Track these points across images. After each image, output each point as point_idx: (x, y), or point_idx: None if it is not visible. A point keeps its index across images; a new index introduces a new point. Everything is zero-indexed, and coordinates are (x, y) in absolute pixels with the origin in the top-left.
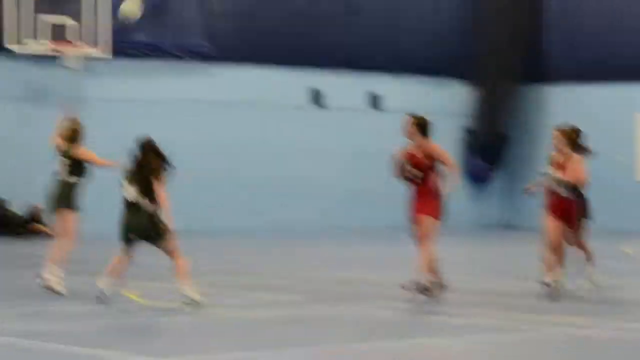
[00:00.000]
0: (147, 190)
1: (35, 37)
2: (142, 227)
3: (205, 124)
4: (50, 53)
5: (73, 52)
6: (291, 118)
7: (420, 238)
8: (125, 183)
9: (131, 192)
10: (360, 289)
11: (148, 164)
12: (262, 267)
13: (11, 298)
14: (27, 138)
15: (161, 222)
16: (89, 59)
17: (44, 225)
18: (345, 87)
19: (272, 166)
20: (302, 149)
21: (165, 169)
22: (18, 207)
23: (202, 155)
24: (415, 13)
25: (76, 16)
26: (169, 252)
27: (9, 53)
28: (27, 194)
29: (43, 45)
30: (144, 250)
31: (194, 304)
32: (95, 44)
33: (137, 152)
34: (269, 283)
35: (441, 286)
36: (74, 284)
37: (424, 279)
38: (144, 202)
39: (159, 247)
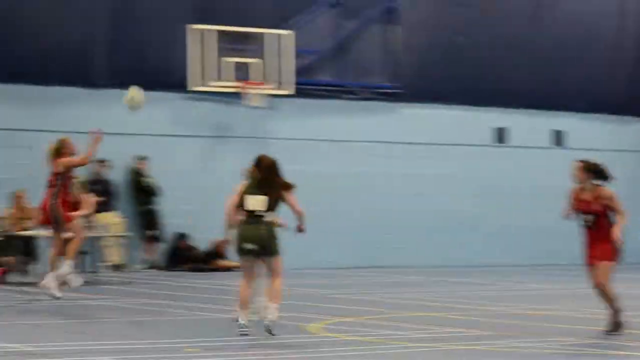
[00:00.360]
0: (273, 204)
1: (219, 77)
2: (262, 238)
3: (388, 163)
4: (233, 92)
5: (256, 91)
6: (475, 156)
7: (597, 282)
8: (250, 195)
9: (256, 204)
10: (542, 323)
11: (277, 178)
12: (443, 302)
13: (196, 331)
14: (210, 174)
15: (277, 238)
16: (271, 97)
17: (227, 260)
18: (529, 125)
19: (454, 204)
20: (485, 187)
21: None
22: (200, 241)
23: (383, 194)
24: (599, 51)
25: (259, 56)
26: (274, 270)
27: (195, 92)
28: (209, 229)
29: (227, 85)
30: (329, 285)
31: (276, 327)
32: (278, 83)
33: (262, 166)
34: (451, 317)
35: (622, 324)
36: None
37: (611, 317)
38: (268, 215)
39: (268, 263)
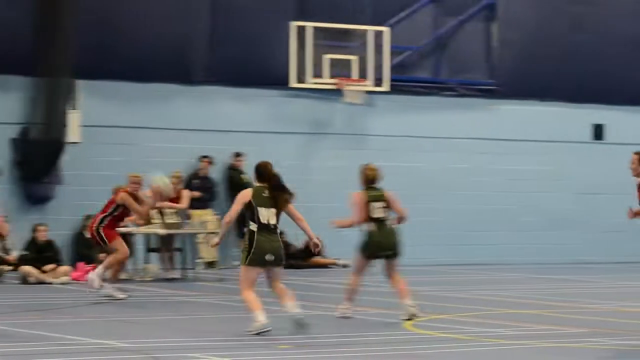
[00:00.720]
0: (279, 215)
1: (318, 74)
2: (279, 251)
3: (485, 160)
4: (331, 88)
5: (354, 87)
6: (573, 153)
7: None
8: (262, 207)
9: (268, 216)
10: (638, 321)
11: (283, 189)
12: (538, 299)
13: (289, 328)
14: (307, 170)
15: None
16: (368, 94)
17: (322, 257)
18: (627, 122)
19: (551, 201)
20: (582, 184)
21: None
22: (295, 238)
23: (479, 190)
24: None
25: (357, 53)
26: (278, 277)
27: (293, 89)
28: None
29: (325, 82)
30: (423, 282)
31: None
32: (375, 79)
33: (268, 177)
34: (546, 315)
35: None
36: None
37: None
38: (278, 227)
39: (276, 272)
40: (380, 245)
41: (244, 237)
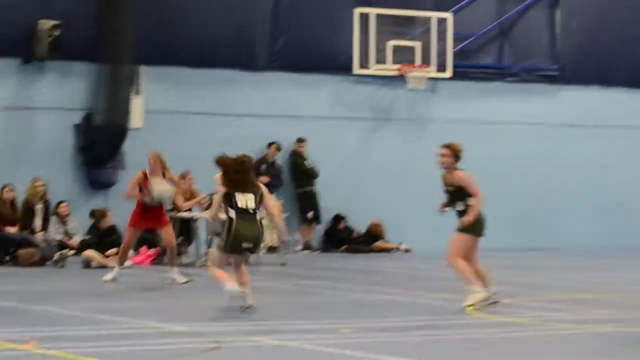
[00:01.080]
0: (260, 202)
1: (381, 60)
2: (258, 238)
3: (547, 145)
4: (394, 75)
5: (417, 73)
6: (637, 138)
7: None
8: (239, 193)
9: (245, 201)
10: None
11: (252, 176)
12: (601, 285)
13: (349, 312)
14: (370, 156)
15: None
16: (431, 80)
17: (384, 242)
18: None
19: (616, 186)
20: None
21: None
22: (357, 223)
23: (542, 176)
24: None
25: (420, 39)
26: (246, 264)
27: (357, 75)
28: (367, 211)
29: (388, 68)
30: (487, 266)
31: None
32: (438, 65)
33: (241, 166)
34: (608, 300)
35: None
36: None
37: None
38: (258, 213)
39: (247, 257)
40: (485, 221)
41: (304, 222)
